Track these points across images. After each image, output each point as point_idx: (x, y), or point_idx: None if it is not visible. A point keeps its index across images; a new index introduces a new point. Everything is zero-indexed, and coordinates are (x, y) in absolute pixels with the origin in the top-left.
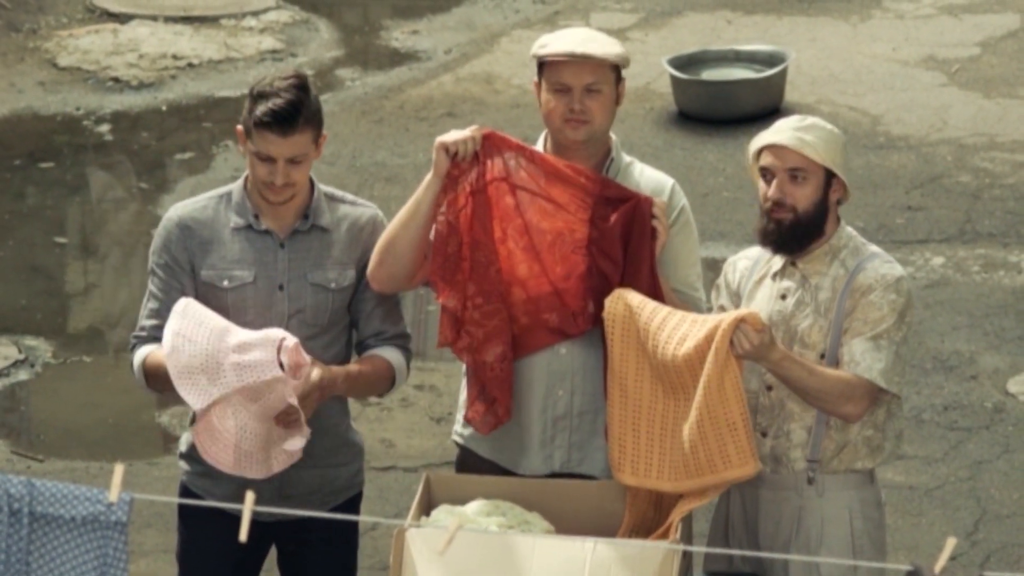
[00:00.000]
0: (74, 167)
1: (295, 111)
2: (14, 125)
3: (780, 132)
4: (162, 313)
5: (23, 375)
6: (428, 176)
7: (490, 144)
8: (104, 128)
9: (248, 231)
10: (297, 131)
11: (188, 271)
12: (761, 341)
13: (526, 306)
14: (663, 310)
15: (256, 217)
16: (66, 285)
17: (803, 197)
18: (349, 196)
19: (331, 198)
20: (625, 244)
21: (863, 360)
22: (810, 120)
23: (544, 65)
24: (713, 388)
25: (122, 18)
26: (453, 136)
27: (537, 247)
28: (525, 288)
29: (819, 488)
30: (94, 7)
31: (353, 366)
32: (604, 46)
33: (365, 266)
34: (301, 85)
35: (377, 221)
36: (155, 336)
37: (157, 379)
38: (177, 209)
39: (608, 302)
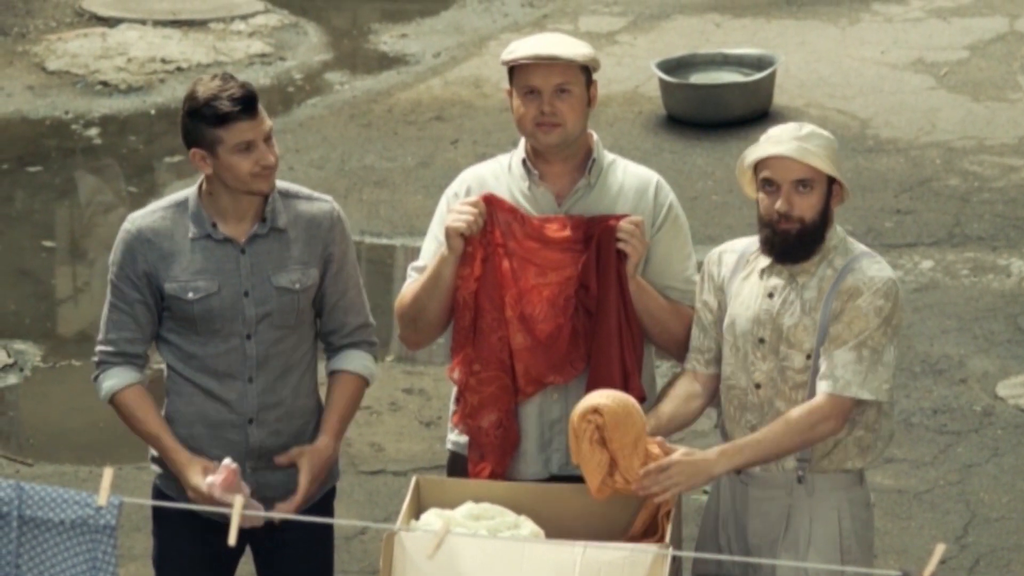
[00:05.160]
0: (62, 171)
1: (251, 92)
2: (2, 129)
3: (781, 143)
4: (126, 325)
5: (12, 379)
6: (443, 252)
7: (490, 208)
8: (93, 132)
9: (207, 240)
10: (259, 109)
11: (148, 283)
12: (676, 482)
13: (526, 377)
14: None
15: (214, 226)
16: (55, 289)
17: (809, 207)
18: (304, 190)
19: (285, 195)
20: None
21: (843, 375)
22: (807, 128)
23: (514, 70)
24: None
25: (111, 22)
26: (463, 218)
27: (529, 315)
28: (523, 360)
29: (809, 487)
30: (83, 11)
31: (335, 416)
32: (571, 47)
33: (326, 262)
34: (231, 76)
35: (335, 216)
36: (124, 351)
37: (125, 420)
38: (135, 220)
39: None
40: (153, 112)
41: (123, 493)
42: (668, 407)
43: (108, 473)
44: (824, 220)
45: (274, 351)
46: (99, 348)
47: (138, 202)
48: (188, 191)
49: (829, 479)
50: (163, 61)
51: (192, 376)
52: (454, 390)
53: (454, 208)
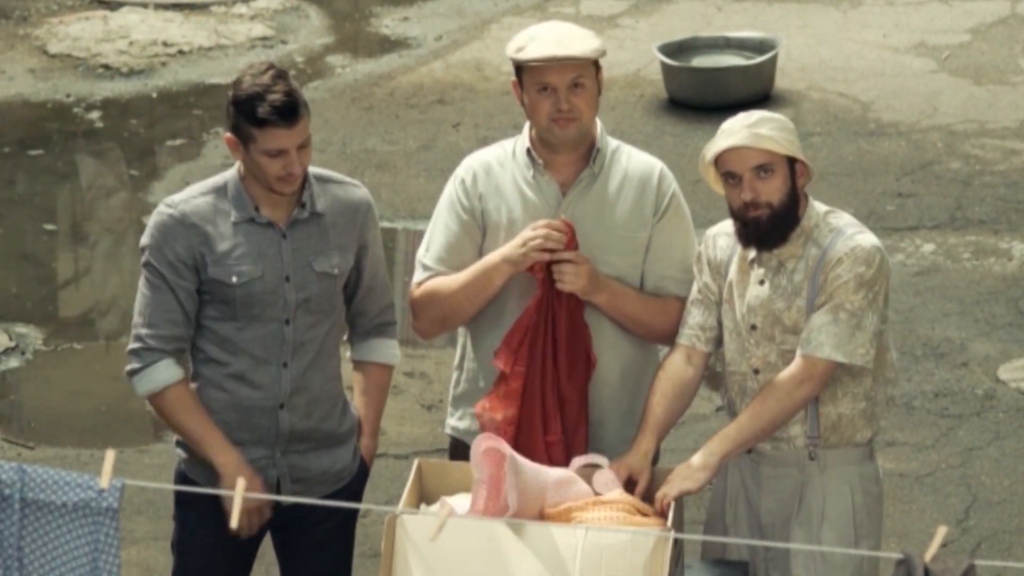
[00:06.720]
0: (64, 154)
1: (295, 100)
2: (4, 112)
3: (734, 134)
4: (172, 308)
5: (14, 362)
6: (498, 261)
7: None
8: (94, 115)
9: (250, 224)
10: (300, 118)
11: (192, 268)
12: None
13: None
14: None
15: (257, 209)
16: (56, 272)
17: (774, 191)
18: (336, 175)
19: (319, 179)
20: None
21: (816, 336)
22: (757, 114)
23: (523, 67)
24: None
25: (112, 5)
26: (543, 233)
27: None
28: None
29: (821, 463)
30: None
31: (373, 414)
32: (582, 42)
33: (361, 248)
34: (282, 74)
35: (369, 203)
36: (171, 335)
37: (167, 418)
38: (177, 204)
39: None
40: (155, 95)
41: (125, 476)
42: (660, 410)
43: (110, 456)
44: (794, 201)
45: (309, 336)
46: (141, 333)
47: (140, 185)
48: (225, 175)
49: (840, 454)
50: (165, 44)
51: (226, 361)
52: (454, 375)
53: (537, 236)
